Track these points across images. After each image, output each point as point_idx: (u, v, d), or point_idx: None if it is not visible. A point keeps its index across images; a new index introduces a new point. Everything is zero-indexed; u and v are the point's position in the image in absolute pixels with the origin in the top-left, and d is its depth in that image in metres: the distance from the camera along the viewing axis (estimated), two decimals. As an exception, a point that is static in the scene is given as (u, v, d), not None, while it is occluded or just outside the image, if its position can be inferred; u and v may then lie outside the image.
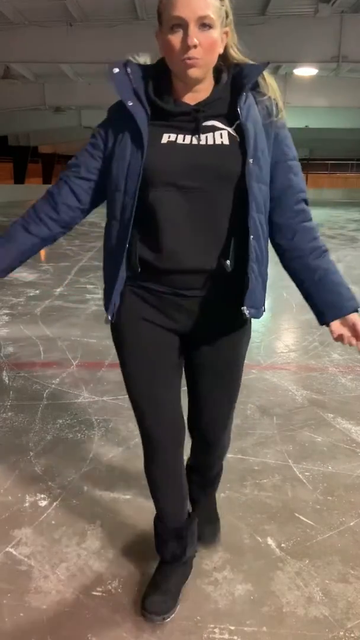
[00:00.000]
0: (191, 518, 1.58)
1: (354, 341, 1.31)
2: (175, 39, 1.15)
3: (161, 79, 1.26)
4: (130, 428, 2.47)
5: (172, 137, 1.24)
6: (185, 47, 1.14)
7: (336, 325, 1.32)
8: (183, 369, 1.47)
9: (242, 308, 1.27)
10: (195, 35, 1.14)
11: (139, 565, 1.67)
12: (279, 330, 4.33)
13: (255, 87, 1.27)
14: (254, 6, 8.02)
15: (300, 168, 1.35)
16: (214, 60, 1.21)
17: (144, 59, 1.30)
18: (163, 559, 1.56)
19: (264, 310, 1.35)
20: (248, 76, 1.25)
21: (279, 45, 8.38)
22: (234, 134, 1.24)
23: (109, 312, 1.35)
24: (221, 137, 1.24)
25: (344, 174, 27.76)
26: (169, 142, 1.23)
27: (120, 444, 2.35)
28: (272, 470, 2.18)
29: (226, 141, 1.24)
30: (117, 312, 1.34)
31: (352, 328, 1.30)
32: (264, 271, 1.32)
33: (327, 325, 1.33)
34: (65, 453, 2.29)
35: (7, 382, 3.07)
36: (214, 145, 1.23)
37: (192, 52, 1.15)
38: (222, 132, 1.25)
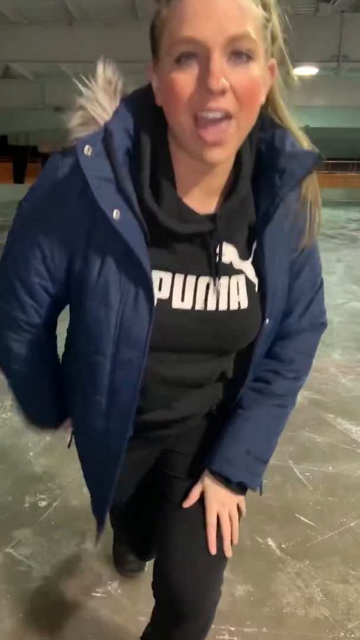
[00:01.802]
0: None
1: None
2: (188, 77, 0.64)
3: (157, 150, 0.75)
4: (130, 428, 2.47)
5: (168, 278, 0.78)
6: (205, 92, 0.63)
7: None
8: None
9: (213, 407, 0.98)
10: (224, 72, 0.62)
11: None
12: (279, 330, 4.33)
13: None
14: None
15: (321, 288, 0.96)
16: (253, 120, 0.70)
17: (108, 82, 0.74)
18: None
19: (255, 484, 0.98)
20: (291, 170, 0.75)
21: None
22: (253, 280, 0.83)
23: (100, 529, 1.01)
24: (238, 293, 0.82)
25: (344, 173, 27.74)
26: (164, 301, 0.78)
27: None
28: (272, 471, 2.18)
29: (244, 301, 0.82)
30: None
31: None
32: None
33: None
34: (65, 453, 2.28)
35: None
36: (229, 312, 0.82)
37: (219, 103, 0.63)
38: (239, 278, 0.82)
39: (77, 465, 1.73)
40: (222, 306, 0.81)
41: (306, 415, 2.68)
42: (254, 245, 0.82)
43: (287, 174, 0.75)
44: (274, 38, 0.68)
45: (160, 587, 0.98)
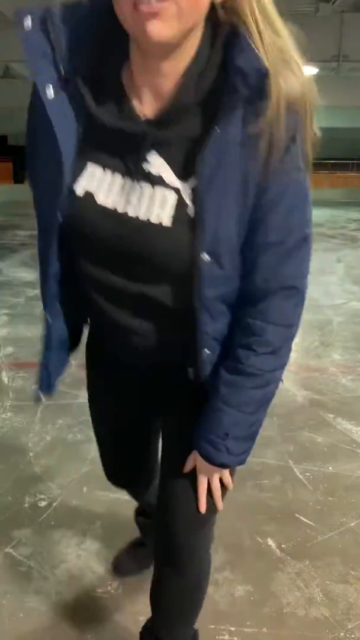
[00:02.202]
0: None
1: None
2: None
3: (113, 45, 0.75)
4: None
5: (98, 171, 0.78)
6: None
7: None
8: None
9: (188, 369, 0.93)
10: None
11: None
12: (279, 330, 4.33)
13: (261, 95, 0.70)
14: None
15: (305, 249, 0.84)
16: (194, 17, 0.67)
17: None
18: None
19: (230, 454, 0.94)
20: (234, 88, 0.69)
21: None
22: (187, 201, 0.75)
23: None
24: (162, 209, 0.76)
25: (344, 173, 27.73)
26: (85, 194, 0.79)
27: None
28: (272, 471, 2.18)
29: (167, 220, 0.75)
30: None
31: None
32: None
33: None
34: (65, 453, 2.29)
35: (7, 382, 3.06)
36: (156, 226, 0.76)
37: None
38: (168, 193, 0.76)
39: (77, 465, 1.74)
40: (142, 215, 0.77)
41: (306, 415, 2.68)
42: (196, 166, 0.73)
43: (231, 92, 0.69)
44: None
45: (160, 533, 1.07)
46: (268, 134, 0.71)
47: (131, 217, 0.77)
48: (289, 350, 0.89)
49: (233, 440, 0.91)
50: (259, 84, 0.69)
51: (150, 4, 0.63)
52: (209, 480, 0.98)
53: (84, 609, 1.51)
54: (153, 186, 0.76)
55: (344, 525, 1.86)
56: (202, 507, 0.98)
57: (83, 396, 3.04)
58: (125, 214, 0.78)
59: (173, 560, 1.06)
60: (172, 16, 0.65)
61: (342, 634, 1.43)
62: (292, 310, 0.85)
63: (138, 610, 1.49)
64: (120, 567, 1.64)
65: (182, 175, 0.75)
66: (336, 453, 2.33)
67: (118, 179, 0.78)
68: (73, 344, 1.10)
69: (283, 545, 1.76)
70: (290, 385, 3.04)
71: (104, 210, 0.79)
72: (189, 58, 0.72)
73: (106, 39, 0.75)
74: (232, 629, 1.44)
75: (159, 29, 0.65)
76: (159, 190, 0.76)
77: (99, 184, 0.79)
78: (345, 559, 1.70)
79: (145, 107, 0.76)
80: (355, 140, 21.15)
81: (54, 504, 1.96)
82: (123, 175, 0.78)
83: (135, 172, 0.77)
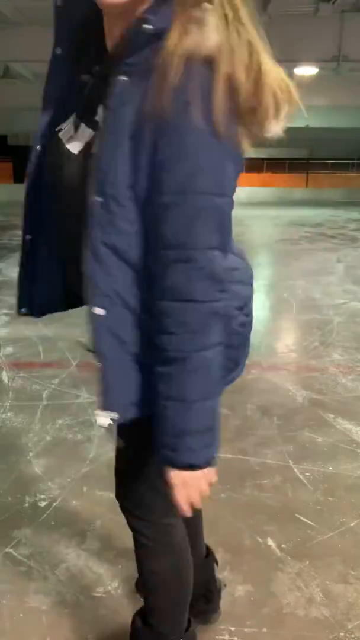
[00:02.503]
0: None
1: None
2: None
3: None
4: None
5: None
6: None
7: None
8: None
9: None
10: None
11: (139, 565, 1.67)
12: (279, 330, 4.33)
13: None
14: (254, 5, 8.00)
15: (187, 208, 0.77)
16: None
17: None
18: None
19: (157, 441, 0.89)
20: (147, 21, 0.74)
21: (279, 44, 8.28)
22: (96, 139, 0.83)
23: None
24: (79, 140, 0.87)
25: (344, 173, 27.71)
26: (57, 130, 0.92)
27: (120, 444, 2.35)
28: (272, 471, 2.18)
29: (76, 150, 0.87)
30: None
31: None
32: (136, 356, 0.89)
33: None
34: (65, 453, 2.29)
35: (7, 382, 3.07)
36: (66, 152, 0.89)
37: None
38: (88, 129, 0.87)
39: (77, 465, 1.74)
40: (73, 149, 0.87)
41: (306, 415, 2.68)
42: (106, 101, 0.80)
43: (145, 24, 0.75)
44: None
45: None
46: (158, 82, 0.72)
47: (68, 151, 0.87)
48: (215, 329, 0.83)
49: (189, 437, 0.85)
50: (156, 34, 0.73)
51: None
52: (187, 495, 0.91)
53: (84, 609, 1.51)
54: (87, 119, 0.86)
55: (344, 525, 1.86)
56: (189, 513, 0.93)
57: (83, 396, 3.06)
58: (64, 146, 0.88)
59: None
60: None
61: (342, 634, 1.43)
62: (194, 283, 0.79)
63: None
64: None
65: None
66: (336, 453, 2.33)
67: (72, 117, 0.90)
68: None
69: (283, 545, 1.76)
70: (290, 385, 3.04)
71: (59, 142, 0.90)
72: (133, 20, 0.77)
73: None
74: (232, 628, 1.44)
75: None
76: (86, 128, 0.86)
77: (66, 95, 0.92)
78: (345, 559, 1.70)
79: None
80: (355, 140, 21.12)
81: (54, 504, 1.96)
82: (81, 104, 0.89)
83: (88, 110, 0.87)
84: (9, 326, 4.11)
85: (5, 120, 16.42)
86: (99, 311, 0.84)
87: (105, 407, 0.89)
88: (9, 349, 3.60)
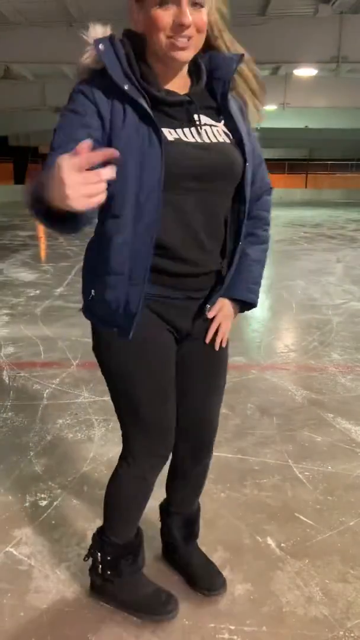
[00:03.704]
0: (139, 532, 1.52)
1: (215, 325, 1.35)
2: (166, 15, 1.05)
3: (140, 60, 1.15)
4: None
5: (173, 132, 1.14)
6: (178, 25, 1.05)
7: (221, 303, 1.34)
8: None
9: (205, 306, 1.30)
10: (190, 13, 1.06)
11: (139, 565, 1.67)
12: (278, 330, 4.33)
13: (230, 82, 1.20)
14: (254, 6, 8.02)
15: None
16: (201, 43, 1.13)
17: (103, 31, 1.15)
18: (119, 573, 1.47)
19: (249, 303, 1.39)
20: (223, 68, 1.18)
21: (279, 46, 8.38)
22: (227, 131, 1.21)
23: (128, 330, 1.20)
24: (220, 135, 1.19)
25: (344, 174, 27.74)
26: (176, 140, 1.13)
27: (120, 444, 2.35)
28: (272, 470, 2.18)
29: (227, 139, 1.20)
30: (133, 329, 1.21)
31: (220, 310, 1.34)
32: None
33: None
34: (65, 453, 2.29)
35: (7, 382, 3.07)
36: (219, 143, 1.18)
37: (186, 32, 1.06)
38: (217, 128, 1.19)
39: (78, 465, 1.74)
40: (213, 140, 1.18)
41: (306, 414, 2.68)
42: (221, 117, 1.21)
43: (226, 69, 1.19)
44: None
45: (188, 432, 1.43)
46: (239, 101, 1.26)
47: (208, 142, 1.16)
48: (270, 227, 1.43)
49: (259, 286, 1.38)
50: (233, 68, 1.20)
51: (184, 38, 1.08)
52: (221, 323, 1.34)
53: (84, 609, 1.51)
54: (210, 127, 1.19)
55: (344, 524, 1.87)
56: (224, 343, 1.38)
57: (83, 396, 3.07)
58: (203, 141, 1.16)
59: (198, 458, 1.49)
60: (192, 47, 1.11)
61: (341, 633, 1.44)
62: (271, 202, 1.40)
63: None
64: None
65: (216, 120, 1.21)
66: (335, 452, 2.33)
67: (187, 130, 1.16)
68: None
69: (282, 545, 1.76)
70: (289, 385, 3.05)
71: (189, 143, 1.14)
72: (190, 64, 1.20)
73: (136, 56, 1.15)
74: (232, 627, 1.45)
75: (185, 56, 1.11)
76: (213, 128, 1.19)
77: (176, 134, 1.14)
78: (344, 558, 1.71)
79: (175, 90, 1.18)
80: (355, 141, 21.14)
81: (55, 504, 1.96)
82: (189, 128, 1.16)
83: (198, 124, 1.17)
84: (9, 326, 4.11)
85: (5, 121, 16.42)
86: (241, 245, 1.30)
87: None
88: (10, 349, 3.61)
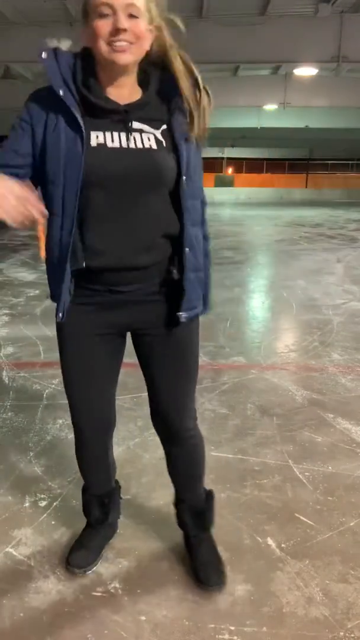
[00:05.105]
0: (115, 487, 1.72)
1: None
2: (104, 23, 1.17)
3: (86, 70, 1.26)
4: (131, 428, 2.47)
5: (100, 137, 1.25)
6: (115, 30, 1.16)
7: None
8: (121, 360, 1.54)
9: (178, 314, 1.37)
10: (125, 21, 1.16)
11: (139, 565, 1.67)
12: (278, 330, 4.33)
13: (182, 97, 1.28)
14: (254, 6, 8.01)
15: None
16: (142, 52, 1.23)
17: (67, 45, 1.29)
18: (88, 523, 1.72)
19: (205, 307, 1.45)
20: (171, 82, 1.26)
21: (279, 45, 8.38)
22: (161, 138, 1.28)
23: (59, 310, 1.36)
24: (149, 141, 1.27)
25: (344, 174, 27.74)
26: (99, 145, 1.24)
27: (120, 444, 2.35)
28: (272, 471, 2.18)
29: (154, 145, 1.27)
30: (64, 313, 1.36)
31: None
32: (201, 275, 1.41)
33: None
34: (66, 453, 2.29)
35: (7, 382, 3.07)
36: (144, 149, 1.26)
37: (122, 36, 1.17)
38: (149, 135, 1.27)
39: (77, 465, 1.74)
40: (139, 146, 1.27)
41: (306, 415, 2.68)
42: (164, 125, 1.29)
43: (168, 89, 1.28)
44: (154, 15, 1.22)
45: (158, 416, 1.55)
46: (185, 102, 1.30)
47: (133, 148, 1.25)
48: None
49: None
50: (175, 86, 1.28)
51: (121, 41, 1.18)
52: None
53: (84, 609, 1.51)
54: (140, 134, 1.27)
55: (344, 524, 1.86)
56: None
57: (83, 396, 3.01)
58: (128, 146, 1.25)
59: (175, 441, 1.57)
60: (131, 52, 1.20)
61: (341, 634, 1.44)
62: (203, 211, 1.45)
63: (138, 609, 1.49)
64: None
65: (155, 126, 1.29)
66: (336, 453, 2.33)
67: (116, 135, 1.26)
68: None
69: (283, 545, 1.76)
70: (289, 385, 3.05)
71: (113, 149, 1.24)
72: (135, 78, 1.29)
73: (83, 67, 1.27)
74: (232, 628, 1.45)
75: (123, 58, 1.20)
76: (144, 135, 1.28)
77: (104, 138, 1.25)
78: (344, 558, 1.71)
79: (117, 99, 1.27)
80: (355, 141, 21.13)
81: (55, 504, 1.96)
82: (119, 133, 1.26)
83: (129, 131, 1.26)
84: (9, 326, 4.11)
85: (5, 121, 16.41)
86: (188, 252, 1.36)
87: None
88: (9, 349, 3.61)
